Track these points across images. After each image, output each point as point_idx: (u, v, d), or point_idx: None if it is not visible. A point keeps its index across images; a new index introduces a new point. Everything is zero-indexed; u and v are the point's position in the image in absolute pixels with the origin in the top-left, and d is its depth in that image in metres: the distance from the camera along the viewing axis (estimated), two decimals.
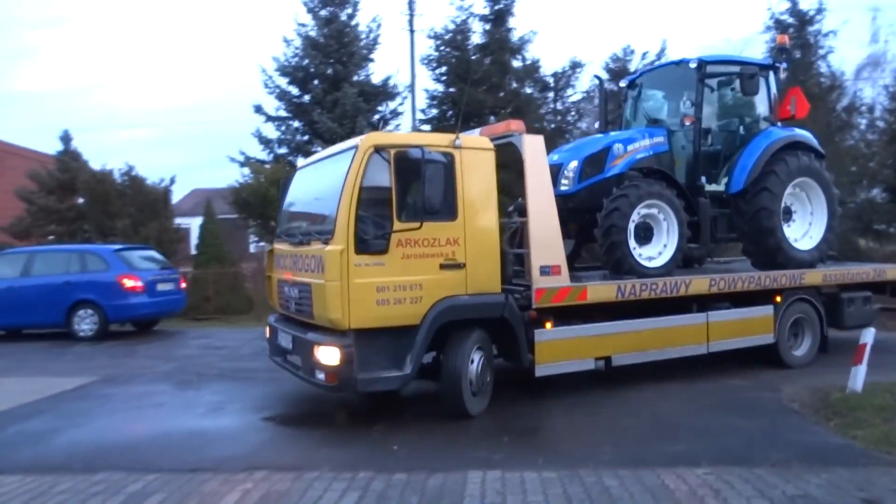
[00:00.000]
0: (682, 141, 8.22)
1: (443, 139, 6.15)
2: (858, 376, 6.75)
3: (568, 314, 6.70)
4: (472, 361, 6.07)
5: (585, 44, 43.56)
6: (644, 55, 20.99)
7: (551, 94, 21.20)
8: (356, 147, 5.83)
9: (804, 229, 8.49)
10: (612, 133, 8.50)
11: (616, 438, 5.60)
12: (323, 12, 19.07)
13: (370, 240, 5.66)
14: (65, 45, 76.07)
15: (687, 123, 8.03)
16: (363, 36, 19.50)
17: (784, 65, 8.85)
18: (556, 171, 7.33)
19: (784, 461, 4.86)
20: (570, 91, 21.12)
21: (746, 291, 7.81)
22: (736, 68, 8.17)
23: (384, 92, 19.63)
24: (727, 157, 8.33)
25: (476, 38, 19.91)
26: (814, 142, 8.72)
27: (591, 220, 7.41)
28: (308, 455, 5.24)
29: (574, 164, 7.60)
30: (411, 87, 20.79)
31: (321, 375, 5.71)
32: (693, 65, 8.04)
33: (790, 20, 19.09)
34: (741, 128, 8.54)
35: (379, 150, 5.78)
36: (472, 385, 6.08)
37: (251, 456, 5.25)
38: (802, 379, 7.58)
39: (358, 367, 5.55)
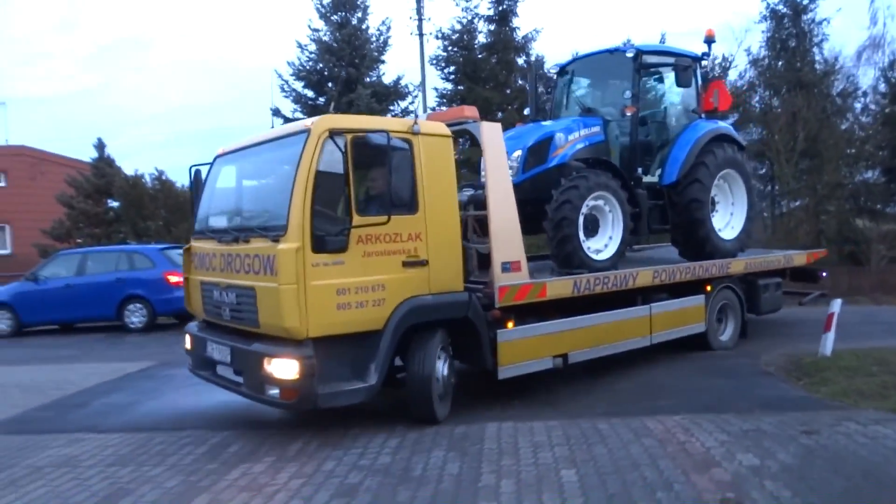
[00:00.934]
0: (617, 131, 8.23)
1: (400, 124, 5.76)
2: (828, 342, 7.82)
3: (522, 312, 6.49)
4: (438, 364, 5.74)
5: (589, 38, 44.04)
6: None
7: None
8: (308, 131, 5.19)
9: (726, 220, 8.73)
10: (549, 122, 8.34)
11: (610, 397, 6.65)
12: (335, 17, 20.12)
13: (329, 237, 5.10)
14: (73, 48, 77.12)
15: (627, 114, 8.00)
16: (374, 38, 20.55)
17: (707, 57, 8.98)
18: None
19: (748, 409, 5.92)
20: None
21: (682, 282, 8.01)
22: (670, 59, 8.42)
23: (396, 92, 20.62)
24: (659, 149, 8.49)
25: (482, 38, 20.77)
26: (736, 134, 9.09)
27: (534, 211, 7.13)
28: (350, 416, 6.14)
29: (518, 153, 7.34)
30: (422, 87, 21.55)
31: (274, 391, 5.18)
32: (630, 54, 8.00)
33: (784, 10, 19.77)
34: (673, 119, 8.67)
35: (334, 134, 5.15)
36: (440, 388, 5.77)
37: (300, 420, 6.25)
38: (779, 348, 8.58)
39: (318, 381, 5.04)
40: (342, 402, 5.29)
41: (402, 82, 20.73)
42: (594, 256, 7.34)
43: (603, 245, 7.53)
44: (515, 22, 20.61)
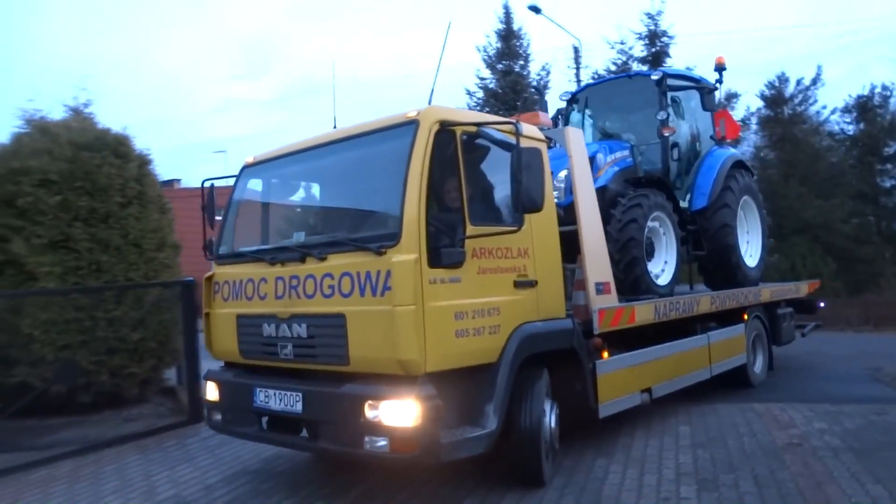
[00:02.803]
0: (641, 156, 8.00)
1: (504, 124, 4.76)
2: None
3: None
4: (547, 411, 4.89)
5: (742, 73, 45.29)
6: (799, 81, 23.95)
7: None
8: (416, 122, 4.30)
9: (744, 247, 8.53)
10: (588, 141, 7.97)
11: (724, 393, 7.83)
12: (500, 66, 23.25)
13: (447, 248, 4.19)
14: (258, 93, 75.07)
15: (666, 134, 7.73)
16: (534, 83, 23.21)
17: (721, 85, 8.84)
18: None
19: (842, 401, 7.29)
20: None
21: (727, 310, 7.80)
22: (692, 84, 8.37)
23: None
24: (686, 175, 8.35)
25: None
26: (747, 161, 9.08)
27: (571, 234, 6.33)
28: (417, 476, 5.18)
29: (564, 173, 6.55)
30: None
31: (382, 443, 4.03)
32: (656, 76, 7.84)
33: None
34: (696, 145, 8.52)
35: (446, 126, 4.36)
36: (547, 442, 4.86)
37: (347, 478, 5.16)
38: (816, 377, 9.21)
39: (442, 427, 4.09)
40: (464, 454, 4.24)
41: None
42: (656, 281, 6.89)
43: (660, 269, 7.07)
44: (668, 62, 21.77)
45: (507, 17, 23.39)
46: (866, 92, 24.22)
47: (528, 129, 5.16)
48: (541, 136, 5.36)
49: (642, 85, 8.08)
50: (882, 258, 22.11)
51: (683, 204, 8.12)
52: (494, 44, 23.76)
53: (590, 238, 5.68)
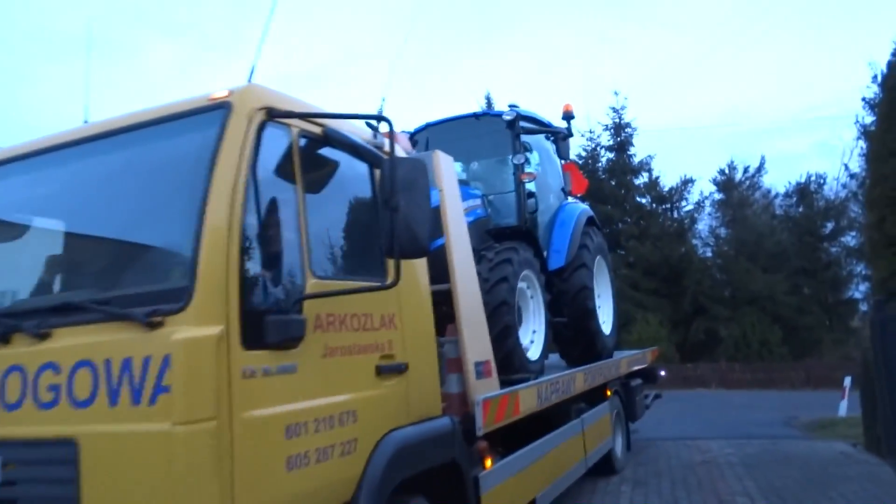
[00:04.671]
0: (490, 208, 6.71)
1: (374, 119, 3.14)
2: (842, 407, 11.46)
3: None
4: None
5: (698, 159, 49.73)
6: (746, 168, 27.55)
7: (667, 205, 26.94)
8: (227, 107, 2.67)
9: (600, 313, 7.40)
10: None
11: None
12: None
13: (275, 314, 2.57)
14: None
15: (526, 180, 6.55)
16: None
17: (570, 134, 7.71)
18: None
19: (753, 437, 9.66)
20: (683, 203, 27.13)
21: (594, 387, 6.67)
22: (545, 129, 7.27)
23: None
24: (537, 230, 7.08)
25: (604, 161, 26.23)
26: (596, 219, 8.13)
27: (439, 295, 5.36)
28: None
29: None
30: None
31: None
32: (508, 117, 6.56)
33: None
34: (551, 197, 7.40)
35: (276, 117, 2.78)
36: None
37: None
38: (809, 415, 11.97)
39: None
40: None
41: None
42: (529, 356, 5.47)
43: (529, 340, 5.66)
44: (632, 150, 25.84)
45: (489, 104, 25.38)
46: (803, 179, 27.57)
47: (402, 141, 3.84)
48: (417, 157, 3.84)
49: (492, 126, 6.78)
50: (822, 326, 24.79)
51: None
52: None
53: (467, 299, 4.13)
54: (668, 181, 27.11)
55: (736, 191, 27.77)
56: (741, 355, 21.91)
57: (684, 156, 48.05)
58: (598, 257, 7.41)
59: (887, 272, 7.24)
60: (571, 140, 7.61)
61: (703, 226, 27.88)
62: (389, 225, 2.72)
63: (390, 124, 2.94)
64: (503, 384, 4.58)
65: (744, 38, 54.12)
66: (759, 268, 24.50)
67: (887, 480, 6.50)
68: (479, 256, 5.31)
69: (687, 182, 26.78)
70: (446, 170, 4.39)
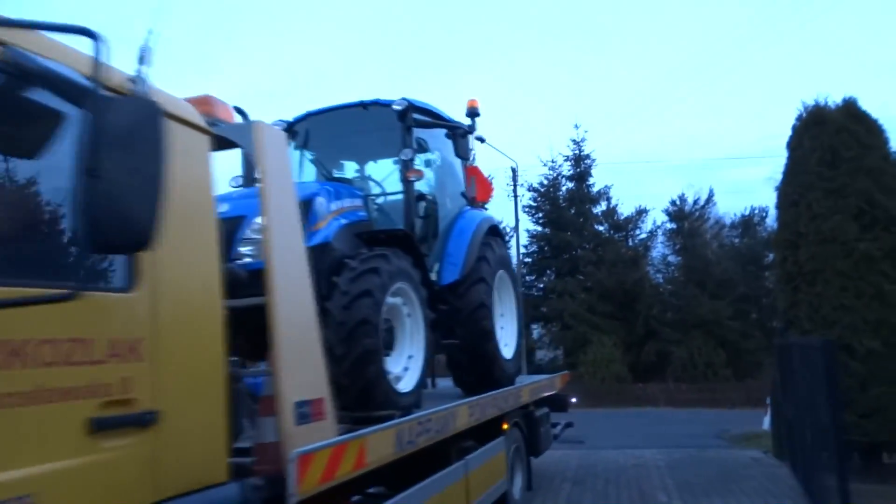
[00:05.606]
0: (377, 211, 6.02)
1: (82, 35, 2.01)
2: (765, 421, 11.63)
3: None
4: None
5: (656, 188, 50.00)
6: (697, 199, 28.71)
7: (623, 233, 28.61)
8: None
9: (500, 334, 6.47)
10: (305, 181, 6.04)
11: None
12: None
13: None
14: None
15: (411, 178, 5.74)
16: None
17: (473, 132, 6.76)
18: (231, 229, 4.05)
19: (683, 446, 11.18)
20: (637, 231, 28.81)
21: (486, 421, 5.78)
22: (443, 123, 6.36)
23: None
24: (433, 239, 6.28)
25: (565, 190, 28.23)
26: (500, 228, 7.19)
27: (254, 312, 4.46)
28: None
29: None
30: (515, 229, 25.46)
31: None
32: (398, 107, 5.76)
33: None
34: (448, 201, 6.56)
35: None
36: None
37: None
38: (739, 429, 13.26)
39: None
40: None
41: (503, 226, 24.02)
42: (397, 387, 4.54)
43: (402, 368, 4.76)
44: (591, 180, 27.90)
45: None
46: (748, 212, 29.35)
47: (176, 105, 2.73)
48: (197, 120, 2.88)
49: (380, 117, 5.90)
50: (763, 349, 25.57)
51: (431, 276, 6.01)
52: None
53: (291, 318, 3.17)
54: (625, 209, 28.80)
55: (686, 221, 29.04)
56: (688, 376, 23.39)
57: (643, 185, 50.44)
58: (499, 271, 6.54)
59: (786, 304, 8.58)
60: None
61: (656, 253, 29.30)
62: (90, 200, 1.87)
63: (96, 39, 1.95)
64: (360, 424, 3.77)
65: (705, 70, 56.76)
66: (707, 294, 26.02)
67: (782, 478, 7.96)
68: (341, 266, 4.53)
69: (641, 212, 28.45)
70: (272, 147, 3.36)
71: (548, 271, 28.59)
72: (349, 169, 6.57)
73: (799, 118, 8.78)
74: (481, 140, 7.17)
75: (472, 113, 6.71)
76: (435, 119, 6.30)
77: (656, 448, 11.09)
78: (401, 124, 5.83)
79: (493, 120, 38.83)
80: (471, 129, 6.65)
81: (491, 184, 7.45)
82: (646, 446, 11.41)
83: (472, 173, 6.99)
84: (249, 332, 3.27)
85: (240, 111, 4.79)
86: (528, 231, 28.01)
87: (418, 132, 6.04)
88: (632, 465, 9.61)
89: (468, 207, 6.80)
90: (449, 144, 6.46)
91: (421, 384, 4.87)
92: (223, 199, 4.38)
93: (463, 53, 70.24)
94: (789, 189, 8.65)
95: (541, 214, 28.00)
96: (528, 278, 28.06)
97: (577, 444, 10.86)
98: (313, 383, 3.28)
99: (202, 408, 2.60)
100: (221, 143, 3.26)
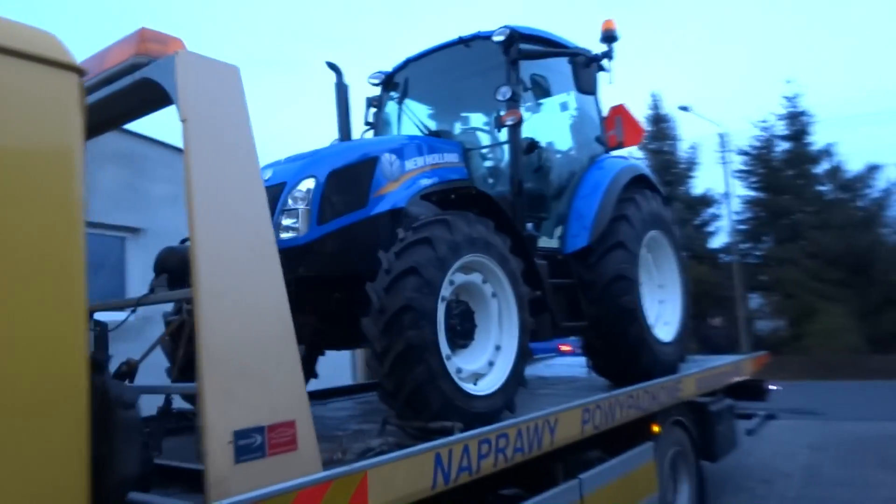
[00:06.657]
0: (485, 168, 5.14)
1: None
2: None
3: None
4: None
5: (888, 142, 38.56)
6: None
7: (851, 193, 25.46)
8: None
9: (655, 310, 5.35)
10: (368, 137, 5.38)
11: None
12: (651, 146, 26.34)
13: None
14: None
15: (508, 122, 4.65)
16: (683, 161, 26.78)
17: (611, 59, 5.35)
18: (272, 198, 3.41)
19: None
20: (868, 190, 25.34)
21: (622, 424, 4.44)
22: (562, 51, 5.16)
23: (703, 201, 26.28)
24: (554, 197, 5.26)
25: (781, 151, 25.56)
26: (654, 177, 5.85)
27: (344, 298, 3.95)
28: None
29: (309, 183, 3.75)
30: (726, 195, 24.83)
31: None
32: (499, 37, 4.77)
33: None
34: (573, 150, 5.55)
35: None
36: None
37: None
38: None
39: None
40: None
41: (712, 193, 25.70)
42: (469, 390, 3.45)
43: (485, 363, 3.69)
44: (810, 138, 24.99)
45: (656, 104, 27.13)
46: None
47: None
48: (60, 55, 2.11)
49: (482, 52, 4.94)
50: None
51: (550, 242, 5.02)
52: (647, 127, 26.84)
53: (228, 315, 2.33)
54: (853, 167, 25.06)
55: None
56: None
57: (874, 139, 42.88)
58: (651, 232, 5.26)
59: None
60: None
61: (893, 213, 25.28)
62: None
63: None
64: (417, 439, 2.95)
65: None
66: None
67: None
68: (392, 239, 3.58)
69: (873, 168, 24.72)
70: (200, 87, 2.45)
71: (763, 238, 26.19)
72: (447, 118, 5.61)
73: None
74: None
75: (609, 37, 5.29)
76: (552, 47, 5.15)
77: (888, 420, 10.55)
78: (504, 58, 4.79)
79: (696, 86, 37.41)
80: (604, 55, 5.28)
81: (641, 126, 6.16)
82: (891, 419, 10.69)
83: (618, 113, 5.82)
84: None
85: (332, 67, 4.45)
86: (739, 197, 26.19)
87: (534, 67, 4.99)
88: (875, 435, 9.43)
89: (606, 154, 5.59)
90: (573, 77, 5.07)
91: (514, 382, 3.74)
92: (269, 165, 3.97)
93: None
94: None
95: (755, 179, 26.15)
96: (742, 245, 26.69)
97: (811, 415, 10.75)
98: (273, 403, 2.35)
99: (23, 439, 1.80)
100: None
